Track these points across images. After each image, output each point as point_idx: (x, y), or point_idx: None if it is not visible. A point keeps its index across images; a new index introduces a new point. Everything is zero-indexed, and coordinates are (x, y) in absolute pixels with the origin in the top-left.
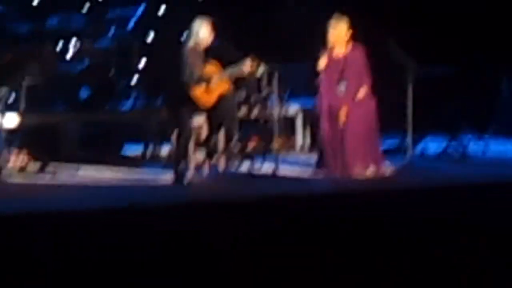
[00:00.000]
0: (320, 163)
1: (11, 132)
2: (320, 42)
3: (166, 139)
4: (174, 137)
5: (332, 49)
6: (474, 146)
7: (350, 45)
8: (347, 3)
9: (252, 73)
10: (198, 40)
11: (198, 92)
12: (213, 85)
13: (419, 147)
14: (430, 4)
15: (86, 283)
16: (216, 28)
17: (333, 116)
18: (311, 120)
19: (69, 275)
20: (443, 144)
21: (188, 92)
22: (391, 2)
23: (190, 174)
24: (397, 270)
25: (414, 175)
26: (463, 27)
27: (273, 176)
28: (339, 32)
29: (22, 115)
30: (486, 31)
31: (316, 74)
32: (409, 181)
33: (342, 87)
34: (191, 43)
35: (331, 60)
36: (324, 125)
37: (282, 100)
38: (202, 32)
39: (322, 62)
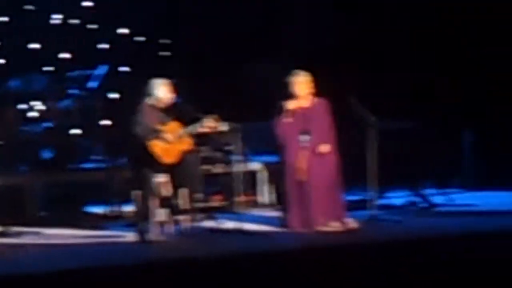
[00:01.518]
0: (284, 219)
1: None
2: (281, 99)
3: (129, 198)
4: (136, 195)
5: (295, 101)
6: (436, 198)
7: (313, 99)
8: (307, 61)
9: (214, 131)
10: (156, 99)
11: (160, 150)
12: (174, 143)
13: (382, 200)
14: (391, 59)
15: None
16: (176, 88)
17: (296, 169)
18: (274, 176)
19: None
20: (407, 197)
21: (150, 151)
22: (351, 58)
23: (153, 232)
24: None
25: (378, 229)
26: (424, 81)
27: (238, 232)
28: (302, 85)
29: None
30: (447, 84)
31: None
32: (373, 235)
33: (304, 139)
34: (149, 102)
35: (294, 112)
36: (287, 179)
37: (244, 156)
38: (159, 92)
39: (291, 106)
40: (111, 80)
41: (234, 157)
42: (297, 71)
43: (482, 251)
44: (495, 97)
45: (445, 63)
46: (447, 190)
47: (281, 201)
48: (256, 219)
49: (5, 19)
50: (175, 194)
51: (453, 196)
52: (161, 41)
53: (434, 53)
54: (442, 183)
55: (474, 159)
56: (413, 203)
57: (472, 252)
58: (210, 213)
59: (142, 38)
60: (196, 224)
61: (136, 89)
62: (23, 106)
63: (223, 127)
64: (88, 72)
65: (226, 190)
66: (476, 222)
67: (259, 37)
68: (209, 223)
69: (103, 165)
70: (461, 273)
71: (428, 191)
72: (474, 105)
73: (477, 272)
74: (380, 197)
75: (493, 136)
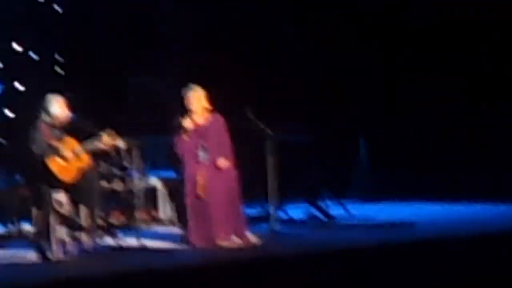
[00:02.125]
0: (184, 235)
1: None
2: (176, 113)
3: (28, 216)
4: (36, 214)
5: (191, 117)
6: (334, 210)
7: (209, 115)
8: (202, 72)
9: (110, 147)
10: (51, 116)
11: (58, 167)
12: (71, 160)
13: (282, 214)
14: (285, 71)
15: None
16: (71, 104)
17: (195, 185)
18: (173, 191)
19: None
20: (306, 210)
21: (47, 168)
22: (245, 71)
23: (53, 251)
24: None
25: (279, 243)
26: (318, 91)
27: (139, 249)
28: (196, 100)
29: None
30: (342, 93)
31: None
32: (274, 249)
33: (202, 155)
34: (43, 118)
35: (191, 127)
36: (187, 195)
37: (142, 172)
38: (54, 108)
39: (187, 123)
40: (5, 98)
41: (132, 173)
42: (191, 85)
43: (383, 263)
44: (389, 106)
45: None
46: (344, 202)
47: (181, 217)
48: (157, 236)
49: None
50: (75, 212)
51: (349, 207)
52: (55, 57)
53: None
54: (339, 195)
55: (368, 169)
56: (312, 216)
57: (374, 264)
58: (111, 230)
59: (35, 55)
60: (97, 241)
61: (30, 106)
62: None
63: (120, 142)
64: None
65: (126, 207)
66: (374, 235)
67: (148, 49)
68: (110, 241)
69: (0, 183)
70: (364, 285)
71: (325, 203)
72: (369, 114)
73: (380, 284)
74: (280, 211)
75: (387, 146)
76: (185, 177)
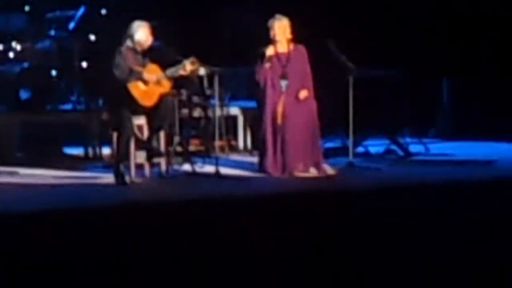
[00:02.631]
0: (261, 164)
1: None
2: (260, 45)
3: (107, 139)
4: (114, 138)
5: (275, 46)
6: (414, 148)
7: (292, 45)
8: (286, 5)
9: (192, 74)
10: (135, 42)
11: (139, 92)
12: (153, 85)
13: (361, 148)
14: (369, 7)
15: (26, 285)
16: (155, 31)
17: (274, 114)
18: (252, 121)
19: (11, 278)
20: (384, 145)
21: (129, 93)
22: (331, 4)
23: (131, 174)
24: (344, 273)
25: (355, 176)
26: (402, 29)
27: (215, 176)
28: (281, 30)
29: None
30: (426, 32)
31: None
32: (351, 182)
33: (283, 85)
34: (128, 44)
35: (274, 57)
36: (266, 124)
37: (223, 101)
38: (139, 34)
39: (270, 51)
40: (90, 22)
41: (212, 102)
42: (276, 15)
43: (459, 201)
44: (473, 45)
45: (422, 11)
46: (424, 139)
47: (259, 146)
48: (235, 164)
49: None
50: (153, 137)
51: (430, 145)
52: None
53: (414, 3)
54: (419, 132)
55: (451, 109)
56: (390, 152)
57: (449, 201)
58: (188, 156)
59: None
60: (175, 167)
61: (114, 31)
62: (1, 46)
63: (202, 70)
64: (68, 13)
65: (206, 134)
66: (453, 171)
67: None
68: (186, 167)
69: (81, 106)
70: (438, 222)
71: (405, 140)
72: (452, 54)
73: (453, 221)
74: (358, 145)
75: (471, 85)
76: (264, 106)
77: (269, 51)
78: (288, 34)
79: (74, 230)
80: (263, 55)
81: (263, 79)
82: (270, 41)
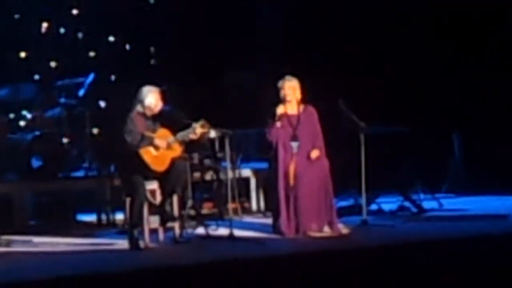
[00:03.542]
0: (275, 225)
1: None
2: (268, 106)
3: (120, 205)
4: (128, 203)
5: (285, 107)
6: (427, 204)
7: (301, 107)
8: (295, 65)
9: (203, 137)
10: (145, 107)
11: (151, 158)
12: (164, 150)
13: (374, 205)
14: (377, 63)
15: None
16: (165, 96)
17: (287, 174)
18: (265, 182)
19: None
20: (397, 202)
21: (140, 159)
22: (340, 63)
23: (145, 239)
24: None
25: (370, 234)
26: (412, 86)
27: (229, 238)
28: (291, 91)
29: None
30: (437, 88)
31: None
32: (365, 240)
33: (294, 146)
34: (138, 109)
35: (284, 118)
36: (278, 185)
37: (234, 163)
38: (149, 99)
39: (280, 110)
40: (99, 88)
41: (224, 164)
42: (286, 76)
43: (475, 256)
44: (485, 101)
45: (433, 67)
46: (437, 195)
47: (273, 208)
48: (248, 226)
49: None
50: (165, 201)
51: (443, 200)
52: (147, 49)
53: (422, 57)
54: (432, 188)
55: (463, 164)
56: (403, 208)
57: (464, 257)
58: (201, 220)
59: (128, 46)
60: (188, 231)
61: (124, 97)
62: (12, 115)
63: (213, 133)
64: (77, 80)
65: (217, 197)
66: (467, 227)
67: (241, 43)
68: (200, 230)
69: (93, 173)
70: (453, 276)
71: (418, 196)
72: (463, 109)
73: (469, 275)
74: (371, 203)
75: (482, 140)
76: (276, 167)
77: (280, 109)
78: (298, 95)
79: None
80: (274, 114)
81: (275, 139)
82: (280, 101)
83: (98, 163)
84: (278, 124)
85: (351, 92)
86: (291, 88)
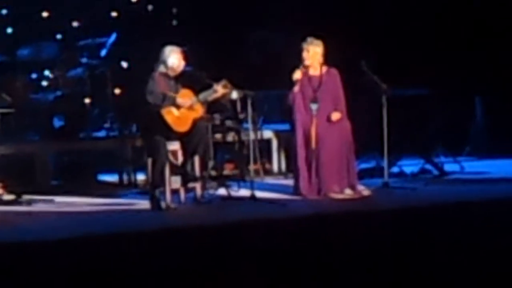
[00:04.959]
0: (296, 186)
1: None
2: (291, 68)
3: (141, 166)
4: (149, 164)
5: (307, 69)
6: (448, 167)
7: (324, 68)
8: (319, 26)
9: (225, 98)
10: (168, 67)
11: (172, 118)
12: (186, 110)
13: (395, 168)
14: (401, 26)
15: None
16: (187, 56)
17: (307, 137)
18: (286, 144)
19: None
20: (418, 165)
21: (162, 119)
22: (363, 24)
23: (166, 200)
24: None
25: (390, 196)
26: (434, 48)
27: (251, 199)
28: (313, 53)
29: None
30: (458, 51)
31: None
32: (386, 202)
33: (313, 108)
34: (160, 70)
35: (305, 80)
36: (299, 146)
37: (256, 125)
38: (172, 59)
39: (297, 76)
40: (121, 48)
41: (246, 125)
42: (308, 38)
43: (495, 218)
44: (508, 64)
45: (456, 30)
46: (458, 158)
47: (294, 169)
48: (269, 187)
49: None
50: (187, 162)
51: (464, 163)
52: (169, 9)
53: (446, 20)
54: (454, 151)
55: (485, 127)
56: (425, 171)
57: (485, 219)
58: (223, 181)
59: (151, 7)
60: (210, 192)
61: (146, 57)
62: (34, 74)
63: (234, 94)
64: (99, 40)
65: (239, 158)
66: (488, 190)
67: (267, 1)
68: (221, 191)
69: (115, 133)
70: (474, 240)
71: (439, 159)
72: (486, 72)
73: (490, 239)
74: (392, 165)
75: (504, 103)
76: (297, 129)
77: (297, 75)
78: (320, 57)
79: (111, 256)
80: (295, 79)
81: (295, 103)
82: (302, 63)
83: (120, 124)
84: (296, 88)
85: (373, 55)
86: (313, 50)
